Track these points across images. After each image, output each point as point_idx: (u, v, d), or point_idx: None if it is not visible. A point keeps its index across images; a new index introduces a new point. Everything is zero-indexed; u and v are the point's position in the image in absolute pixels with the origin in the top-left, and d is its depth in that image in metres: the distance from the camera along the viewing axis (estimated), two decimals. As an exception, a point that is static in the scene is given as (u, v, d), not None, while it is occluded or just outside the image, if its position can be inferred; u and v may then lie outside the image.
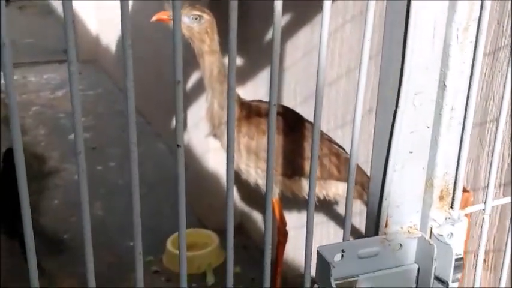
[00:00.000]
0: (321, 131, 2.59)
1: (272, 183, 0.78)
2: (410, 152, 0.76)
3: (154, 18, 2.39)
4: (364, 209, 2.55)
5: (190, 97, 3.85)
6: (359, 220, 2.80)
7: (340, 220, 3.06)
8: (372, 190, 0.80)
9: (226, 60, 2.60)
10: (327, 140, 2.53)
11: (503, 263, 0.90)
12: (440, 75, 0.75)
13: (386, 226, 0.78)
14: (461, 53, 0.74)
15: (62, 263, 3.34)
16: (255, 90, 3.42)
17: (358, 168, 2.49)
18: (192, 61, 3.73)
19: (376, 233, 0.79)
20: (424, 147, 0.77)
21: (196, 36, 2.35)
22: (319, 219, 3.13)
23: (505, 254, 0.89)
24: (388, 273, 0.79)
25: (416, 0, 0.71)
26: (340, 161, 2.46)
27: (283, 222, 2.63)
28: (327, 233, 3.12)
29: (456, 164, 0.79)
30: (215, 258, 3.54)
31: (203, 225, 3.82)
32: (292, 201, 2.67)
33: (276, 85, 0.74)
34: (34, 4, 8.48)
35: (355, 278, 0.78)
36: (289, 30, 3.07)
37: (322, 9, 0.66)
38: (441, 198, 0.80)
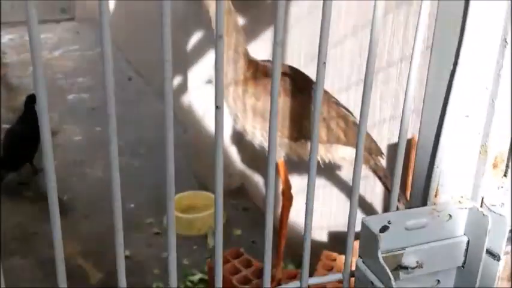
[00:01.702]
0: (328, 93, 2.52)
1: (275, 148, 0.71)
2: (467, 116, 0.70)
3: None
4: (368, 173, 2.51)
5: (191, 58, 3.75)
6: (364, 183, 2.76)
7: (342, 183, 3.01)
8: (419, 157, 0.74)
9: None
10: (334, 102, 2.46)
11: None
12: (502, 33, 0.68)
13: (436, 196, 0.73)
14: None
15: (62, 226, 3.30)
16: (257, 50, 3.33)
17: (366, 133, 2.44)
18: (193, 19, 3.63)
19: (425, 203, 0.73)
20: (481, 110, 0.71)
21: None
22: (322, 182, 3.08)
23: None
24: (435, 246, 0.74)
25: None
26: (347, 125, 2.40)
27: (288, 186, 2.58)
28: (330, 195, 3.08)
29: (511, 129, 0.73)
30: (216, 220, 3.51)
31: (204, 187, 3.78)
32: (297, 164, 2.62)
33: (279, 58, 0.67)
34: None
35: (402, 252, 0.72)
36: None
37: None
38: (494, 165, 0.74)
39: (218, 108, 0.65)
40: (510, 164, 0.75)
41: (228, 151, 3.81)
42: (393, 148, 2.57)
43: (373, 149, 2.40)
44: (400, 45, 2.58)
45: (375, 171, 2.42)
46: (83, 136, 4.27)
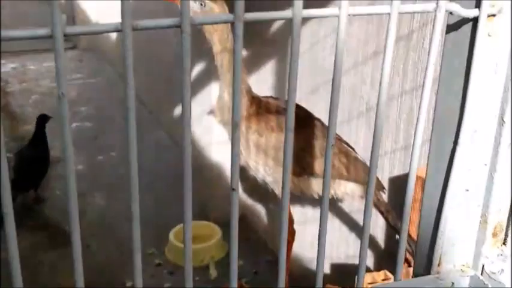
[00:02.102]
0: (330, 128, 2.56)
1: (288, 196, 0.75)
2: (467, 190, 0.74)
3: None
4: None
5: (194, 88, 3.80)
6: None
7: (343, 216, 3.04)
8: (423, 227, 0.78)
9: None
10: (336, 138, 2.50)
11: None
12: (500, 111, 0.73)
13: (439, 265, 0.76)
14: (522, 88, 0.72)
15: (65, 256, 3.31)
16: (258, 83, 3.38)
17: (368, 169, 2.47)
18: (199, 50, 3.68)
19: (428, 272, 0.77)
20: (480, 184, 0.75)
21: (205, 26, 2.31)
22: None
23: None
24: (439, 312, 0.77)
25: (481, 34, 0.68)
26: (349, 161, 2.44)
27: (290, 220, 2.61)
28: (332, 227, 3.11)
29: (511, 199, 0.77)
30: (218, 251, 3.53)
31: (205, 217, 3.80)
32: (295, 197, 2.65)
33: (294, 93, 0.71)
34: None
35: (406, 317, 0.76)
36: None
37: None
38: (494, 234, 0.78)
39: (233, 190, 0.68)
40: (509, 232, 0.79)
41: (228, 180, 3.84)
42: (394, 181, 2.60)
43: (376, 185, 2.44)
44: (400, 79, 2.63)
45: (376, 206, 2.46)
46: (85, 165, 4.31)
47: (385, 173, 2.66)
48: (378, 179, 2.45)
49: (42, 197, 3.98)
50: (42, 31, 0.56)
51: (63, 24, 0.55)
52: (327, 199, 0.78)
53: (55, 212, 3.88)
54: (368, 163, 2.46)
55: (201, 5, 2.30)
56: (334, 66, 0.65)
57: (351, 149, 2.52)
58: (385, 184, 2.59)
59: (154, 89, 4.98)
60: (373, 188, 0.79)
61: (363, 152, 2.56)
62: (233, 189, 0.69)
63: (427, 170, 0.76)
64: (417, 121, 0.67)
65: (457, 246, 0.77)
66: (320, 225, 0.77)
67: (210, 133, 3.77)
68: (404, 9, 0.66)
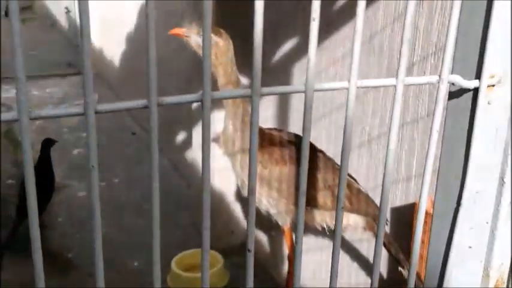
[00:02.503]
0: (333, 159, 2.61)
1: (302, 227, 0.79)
2: (470, 247, 0.78)
3: (171, 32, 2.39)
4: (371, 238, 2.57)
5: (196, 116, 3.85)
6: (367, 246, 2.83)
7: (345, 245, 3.07)
8: (428, 280, 0.82)
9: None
10: (339, 170, 2.54)
11: None
12: (500, 173, 0.77)
13: (444, 317, 0.80)
14: (521, 151, 0.76)
15: (67, 284, 3.32)
16: (261, 111, 3.43)
17: (370, 200, 2.51)
18: (198, 77, 3.73)
19: (434, 325, 0.81)
20: (482, 241, 0.79)
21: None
22: (325, 243, 3.14)
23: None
24: None
25: (481, 103, 0.72)
26: (352, 192, 2.47)
27: (292, 249, 2.64)
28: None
29: (511, 254, 0.81)
30: (220, 279, 3.53)
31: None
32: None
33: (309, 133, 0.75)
34: (37, 17, 8.43)
35: None
36: (296, 53, 3.08)
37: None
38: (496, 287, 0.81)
39: (249, 251, 0.72)
40: (510, 285, 0.83)
41: (231, 208, 3.87)
42: (396, 212, 2.64)
43: (377, 216, 2.47)
44: (401, 109, 2.68)
45: (378, 237, 2.49)
46: (87, 192, 4.33)
47: (387, 204, 2.69)
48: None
49: (45, 224, 3.99)
50: (75, 109, 0.60)
51: (94, 102, 0.59)
52: (338, 244, 0.82)
53: (56, 239, 3.89)
54: (370, 193, 2.51)
55: None
56: (344, 135, 0.70)
57: (353, 180, 2.55)
58: (387, 215, 2.62)
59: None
60: (383, 232, 0.82)
61: (364, 183, 2.60)
62: (249, 250, 0.73)
63: (431, 228, 0.80)
64: (422, 186, 0.71)
65: (461, 300, 0.80)
66: (332, 266, 0.80)
67: (213, 161, 3.80)
68: (410, 81, 0.70)
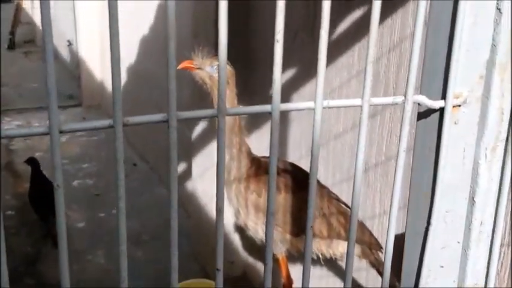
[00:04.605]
0: (327, 188, 2.61)
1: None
2: (441, 267, 0.78)
3: (180, 67, 2.41)
4: (369, 267, 2.55)
5: (196, 146, 3.86)
6: (365, 275, 2.80)
7: (341, 274, 3.04)
8: (402, 301, 0.82)
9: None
10: (334, 199, 2.54)
11: None
12: (470, 192, 0.77)
13: (418, 338, 0.80)
14: (489, 171, 0.77)
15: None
16: (258, 142, 3.45)
17: (365, 228, 2.50)
18: (199, 105, 3.75)
19: None
20: (454, 261, 0.79)
21: (217, 86, 2.38)
22: (324, 272, 3.12)
23: None
24: None
25: (448, 123, 0.73)
26: (347, 221, 2.46)
27: (289, 282, 2.62)
28: (333, 284, 3.11)
29: (485, 274, 0.81)
30: (219, 310, 3.49)
31: (206, 275, 3.79)
32: (292, 256, 2.67)
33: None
34: (39, 50, 8.55)
35: None
36: (294, 80, 3.11)
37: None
38: (470, 308, 0.81)
39: (218, 270, 0.73)
40: (485, 306, 0.82)
41: (229, 238, 3.86)
42: (395, 240, 2.62)
43: (373, 244, 2.45)
44: (397, 140, 2.69)
45: (374, 266, 2.47)
46: (87, 222, 4.33)
47: (384, 232, 2.68)
48: (376, 239, 2.48)
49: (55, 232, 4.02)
50: (40, 129, 0.62)
51: (58, 121, 0.61)
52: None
53: (52, 270, 3.89)
54: (366, 223, 2.50)
55: (216, 69, 2.40)
56: (312, 154, 0.70)
57: (348, 209, 2.55)
58: (384, 244, 2.60)
59: (155, 146, 5.05)
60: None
61: (362, 212, 2.59)
62: (217, 269, 0.74)
63: (404, 249, 0.80)
64: (391, 205, 0.72)
65: (435, 321, 0.80)
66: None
67: (212, 190, 3.80)
68: (375, 101, 0.71)
